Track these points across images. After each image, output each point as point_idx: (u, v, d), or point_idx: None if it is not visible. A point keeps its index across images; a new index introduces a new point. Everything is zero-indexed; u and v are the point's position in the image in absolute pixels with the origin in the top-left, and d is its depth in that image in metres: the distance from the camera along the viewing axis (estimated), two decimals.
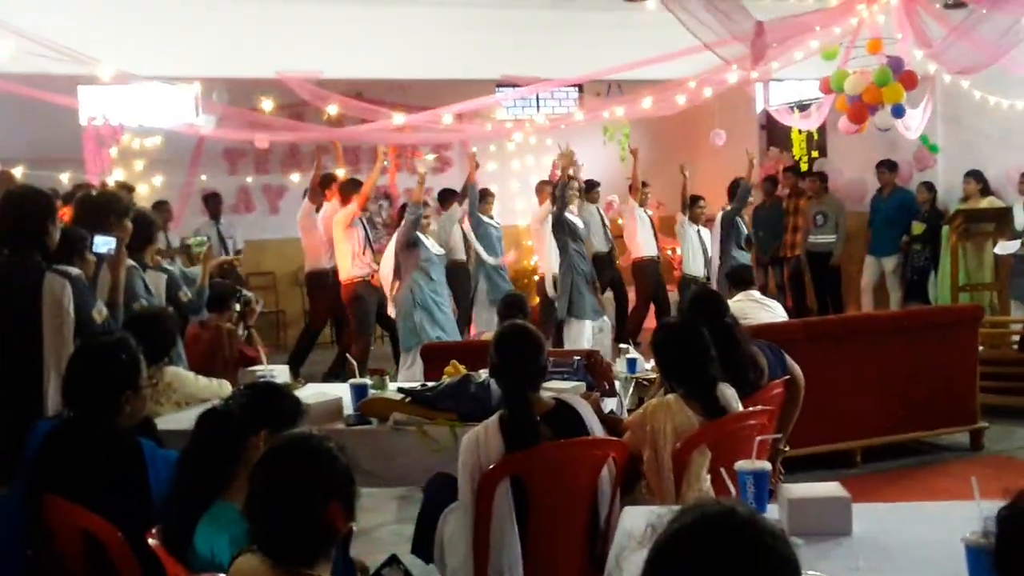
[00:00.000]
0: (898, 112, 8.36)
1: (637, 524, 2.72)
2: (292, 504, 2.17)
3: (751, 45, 7.55)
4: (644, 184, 10.49)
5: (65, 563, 3.07)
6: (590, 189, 10.39)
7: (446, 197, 10.29)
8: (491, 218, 9.70)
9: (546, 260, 9.19)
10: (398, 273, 7.87)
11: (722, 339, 3.96)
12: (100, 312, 4.12)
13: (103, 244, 4.44)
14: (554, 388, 3.98)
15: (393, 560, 2.43)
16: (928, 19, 8.30)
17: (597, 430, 3.54)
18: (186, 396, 4.59)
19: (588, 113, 10.41)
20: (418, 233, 7.70)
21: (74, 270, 4.12)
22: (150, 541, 2.71)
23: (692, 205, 10.07)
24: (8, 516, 3.16)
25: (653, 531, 1.53)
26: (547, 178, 10.20)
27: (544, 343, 3.59)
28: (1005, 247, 8.95)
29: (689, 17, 7.26)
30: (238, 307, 6.07)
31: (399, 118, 8.70)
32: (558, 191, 8.67)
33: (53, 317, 3.93)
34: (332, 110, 8.45)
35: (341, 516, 2.20)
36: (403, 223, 7.74)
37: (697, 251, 9.96)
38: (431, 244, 7.89)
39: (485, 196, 9.78)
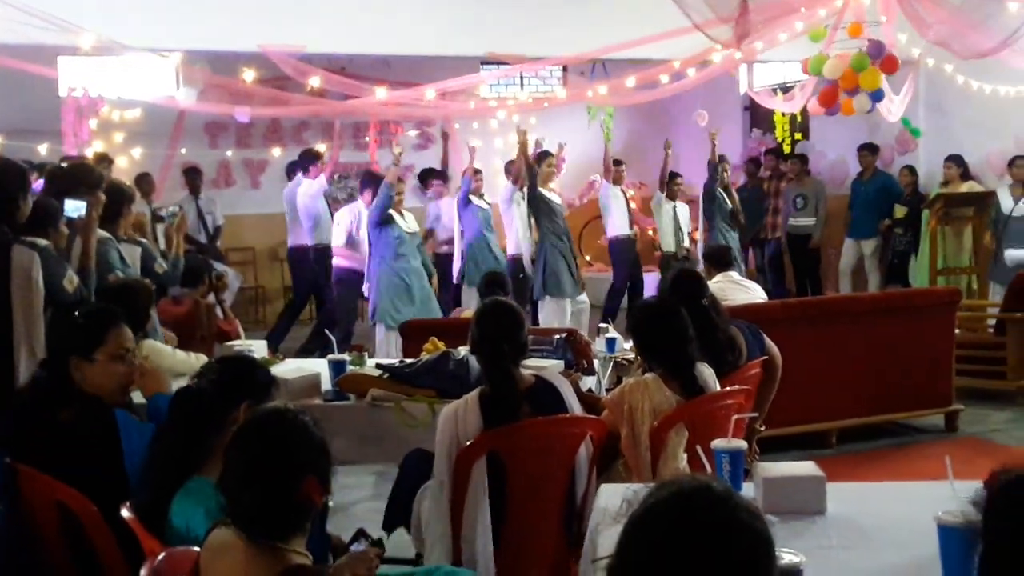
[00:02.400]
0: (877, 97, 8.38)
1: (613, 501, 2.73)
2: (266, 480, 2.15)
3: (735, 24, 7.56)
4: (618, 162, 10.47)
5: (40, 533, 3.05)
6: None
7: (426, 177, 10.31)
8: (481, 197, 9.59)
9: (514, 240, 9.13)
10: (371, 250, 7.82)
11: (700, 320, 3.97)
12: (71, 281, 4.10)
13: (73, 209, 4.41)
14: (534, 366, 3.98)
15: (360, 534, 2.42)
16: (917, 4, 8.31)
17: (576, 408, 3.55)
18: (163, 370, 4.56)
19: (571, 92, 10.38)
20: (390, 211, 7.63)
21: (42, 241, 4.10)
22: (124, 513, 2.70)
23: (669, 182, 10.10)
24: None
25: (629, 506, 1.54)
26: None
27: (524, 319, 3.60)
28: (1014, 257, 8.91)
29: None
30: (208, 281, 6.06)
31: (382, 93, 8.65)
32: (526, 169, 8.67)
33: (22, 289, 3.91)
34: (314, 83, 8.39)
35: (316, 491, 2.18)
36: (375, 202, 7.65)
37: (671, 228, 9.98)
38: (404, 221, 7.80)
39: (476, 174, 9.70)
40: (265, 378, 2.98)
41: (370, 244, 7.77)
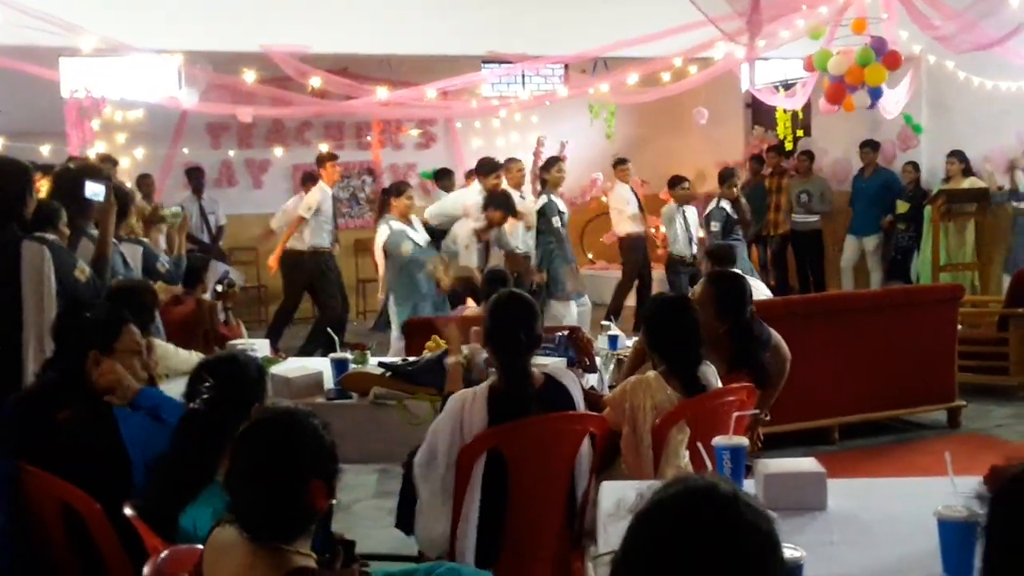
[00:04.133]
0: (875, 95, 8.37)
1: (617, 498, 2.74)
2: (271, 482, 2.12)
3: (748, 20, 7.58)
4: (624, 160, 10.49)
5: (44, 532, 3.06)
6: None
7: (442, 175, 10.33)
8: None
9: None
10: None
11: (742, 331, 4.04)
12: (83, 271, 4.12)
13: (93, 192, 4.46)
14: (537, 364, 3.98)
15: (337, 541, 2.39)
16: (920, 2, 8.30)
17: (583, 407, 3.55)
18: (167, 369, 4.58)
19: (573, 90, 10.40)
20: (403, 227, 7.63)
21: (50, 235, 4.13)
22: (127, 511, 2.71)
23: (675, 186, 9.92)
24: None
25: (642, 500, 1.54)
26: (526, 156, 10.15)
27: (539, 311, 3.58)
28: None
29: None
30: (220, 288, 6.04)
31: (384, 93, 8.66)
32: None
33: (33, 284, 3.94)
34: (316, 83, 8.39)
35: (322, 495, 2.15)
36: (393, 242, 7.57)
37: (682, 231, 9.95)
38: (416, 233, 7.78)
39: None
40: (257, 371, 2.98)
41: (387, 255, 7.74)
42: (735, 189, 9.47)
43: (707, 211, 9.63)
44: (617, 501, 2.65)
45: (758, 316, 4.59)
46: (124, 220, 5.14)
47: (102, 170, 5.25)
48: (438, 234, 8.42)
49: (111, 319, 3.34)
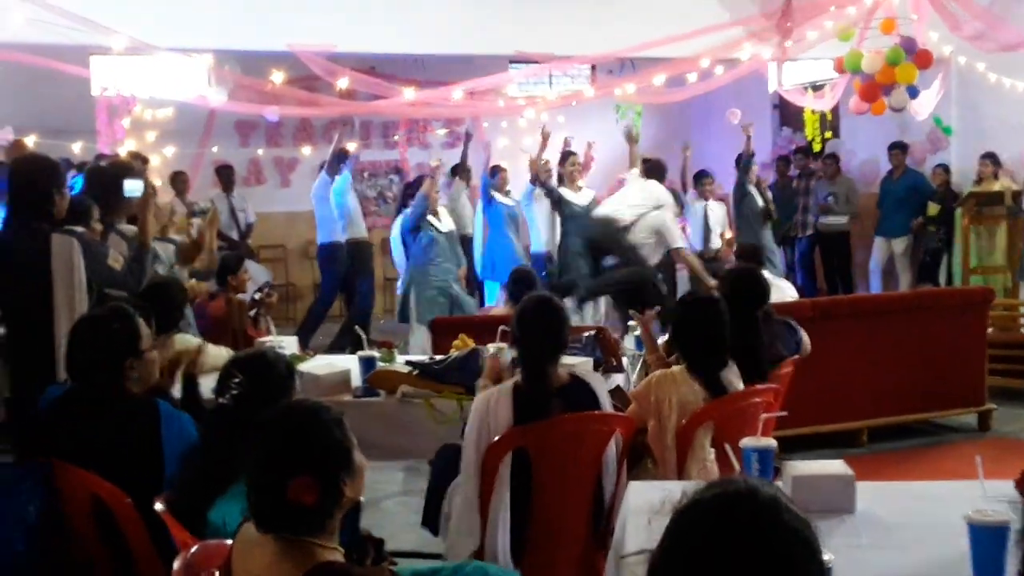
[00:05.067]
0: (912, 92, 8.34)
1: (643, 499, 2.74)
2: (262, 474, 2.12)
3: (777, 24, 7.58)
4: (647, 160, 10.46)
5: (74, 525, 3.09)
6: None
7: (453, 172, 10.33)
8: (506, 195, 9.62)
9: (536, 237, 9.15)
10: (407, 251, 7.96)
11: (751, 325, 4.01)
12: (116, 260, 4.15)
13: (131, 189, 4.56)
14: (564, 363, 3.98)
15: (366, 539, 2.38)
16: (948, 2, 8.25)
17: (609, 407, 3.54)
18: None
19: (600, 90, 10.38)
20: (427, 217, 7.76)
21: (79, 228, 4.16)
22: (157, 507, 2.73)
23: (699, 182, 10.07)
24: (18, 482, 3.18)
25: (684, 498, 1.53)
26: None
27: (567, 317, 3.58)
28: None
29: None
30: (257, 296, 6.07)
31: (411, 93, 8.68)
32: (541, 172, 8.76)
33: (64, 277, 3.97)
34: (343, 84, 8.43)
35: (307, 492, 2.09)
36: (411, 211, 7.78)
37: (699, 227, 9.94)
38: (440, 221, 7.88)
39: (497, 172, 9.74)
40: (286, 368, 2.98)
41: (405, 246, 7.86)
42: (754, 170, 9.73)
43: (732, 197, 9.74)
44: (662, 499, 2.65)
45: (782, 319, 4.58)
46: None
47: (133, 167, 5.30)
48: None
49: (129, 325, 3.32)
